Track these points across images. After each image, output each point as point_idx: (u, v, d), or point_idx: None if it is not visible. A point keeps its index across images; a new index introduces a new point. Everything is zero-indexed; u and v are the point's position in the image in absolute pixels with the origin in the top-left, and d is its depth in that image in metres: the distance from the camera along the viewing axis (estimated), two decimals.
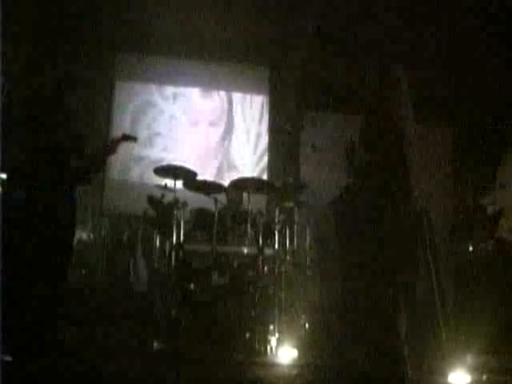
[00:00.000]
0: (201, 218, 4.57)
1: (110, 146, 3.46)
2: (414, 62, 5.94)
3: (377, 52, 3.33)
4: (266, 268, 4.40)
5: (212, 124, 6.68)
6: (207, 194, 4.70)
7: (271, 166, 6.29)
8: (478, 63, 5.84)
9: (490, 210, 4.05)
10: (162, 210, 4.70)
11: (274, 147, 6.36)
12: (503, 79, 5.68)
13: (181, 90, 6.58)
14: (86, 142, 3.39)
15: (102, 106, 6.13)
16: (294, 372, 3.53)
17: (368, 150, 3.13)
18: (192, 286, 4.27)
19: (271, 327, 4.05)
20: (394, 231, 2.93)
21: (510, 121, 5.43)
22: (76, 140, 3.34)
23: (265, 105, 6.65)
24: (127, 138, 3.50)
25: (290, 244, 4.71)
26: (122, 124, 6.19)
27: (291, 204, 4.84)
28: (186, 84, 6.43)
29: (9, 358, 2.80)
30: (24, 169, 3.16)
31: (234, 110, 6.69)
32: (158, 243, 4.92)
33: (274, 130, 6.38)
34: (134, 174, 5.81)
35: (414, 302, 4.17)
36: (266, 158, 6.52)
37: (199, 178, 4.69)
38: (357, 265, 2.94)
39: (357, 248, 2.97)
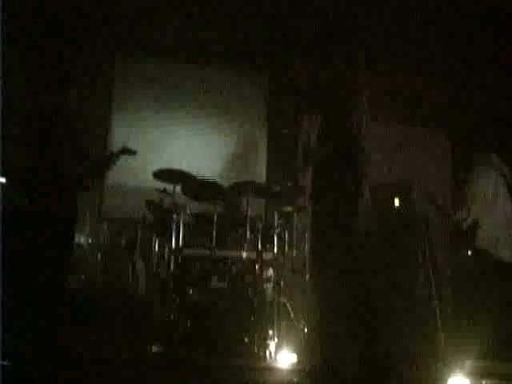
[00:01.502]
0: (200, 223, 4.58)
1: (110, 159, 3.51)
2: (414, 64, 6.00)
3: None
4: (264, 272, 4.40)
5: None
6: (206, 198, 4.70)
7: (270, 170, 6.28)
8: (477, 64, 5.83)
9: (467, 221, 4.02)
10: (160, 215, 4.70)
11: (273, 151, 6.35)
12: (503, 81, 5.67)
13: None
14: (85, 144, 3.40)
15: (101, 107, 6.12)
16: (293, 377, 3.53)
17: (323, 145, 3.14)
18: (191, 290, 4.28)
19: (270, 332, 4.05)
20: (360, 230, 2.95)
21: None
22: (75, 143, 3.35)
23: None
24: (127, 151, 3.55)
25: (288, 248, 4.71)
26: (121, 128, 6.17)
27: (290, 208, 4.84)
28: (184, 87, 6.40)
29: (7, 363, 2.81)
30: (24, 173, 3.18)
31: None
32: (156, 248, 4.92)
33: (273, 133, 6.37)
34: (133, 177, 5.79)
35: (413, 305, 4.17)
36: None
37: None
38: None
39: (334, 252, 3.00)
